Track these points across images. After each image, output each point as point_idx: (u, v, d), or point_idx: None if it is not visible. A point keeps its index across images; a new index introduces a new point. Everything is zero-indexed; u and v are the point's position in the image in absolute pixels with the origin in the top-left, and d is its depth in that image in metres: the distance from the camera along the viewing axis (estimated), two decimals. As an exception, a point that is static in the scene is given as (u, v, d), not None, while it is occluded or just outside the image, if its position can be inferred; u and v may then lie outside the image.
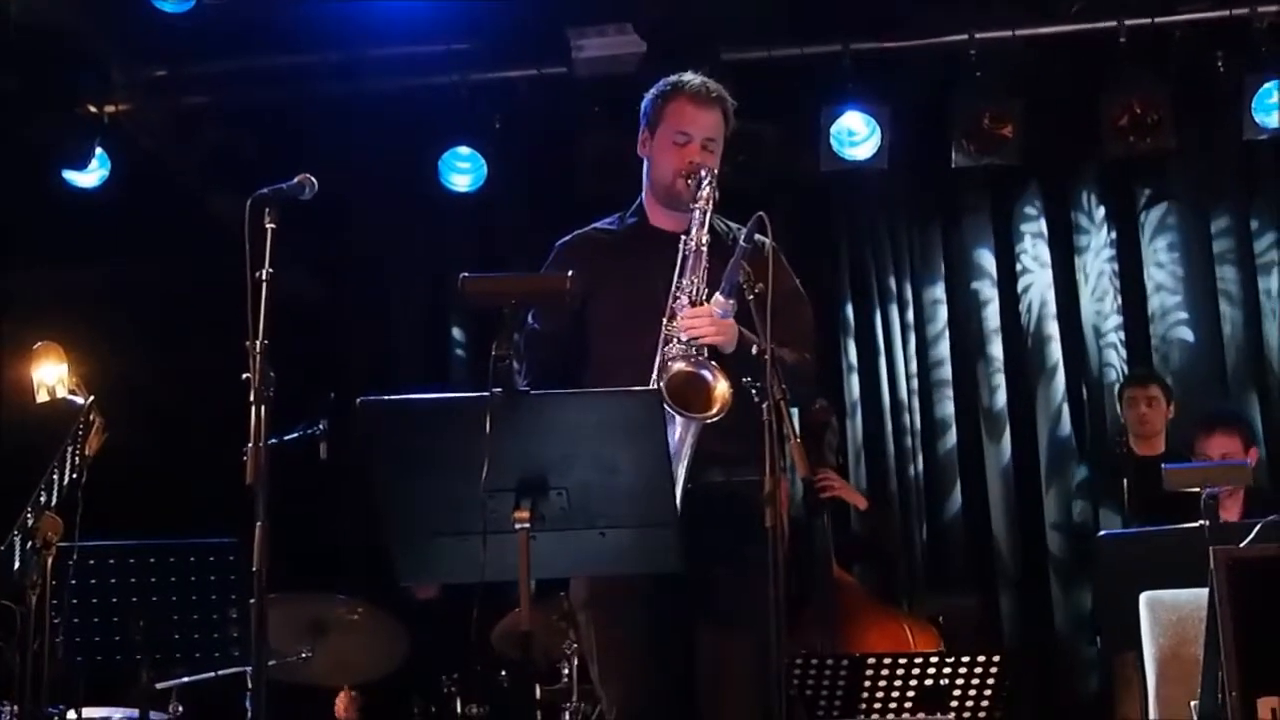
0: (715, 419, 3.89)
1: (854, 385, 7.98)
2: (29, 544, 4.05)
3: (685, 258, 4.07)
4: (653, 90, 4.34)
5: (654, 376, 3.93)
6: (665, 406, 3.77)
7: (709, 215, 4.11)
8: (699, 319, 3.95)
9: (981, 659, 5.21)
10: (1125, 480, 6.57)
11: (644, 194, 4.37)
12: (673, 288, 4.05)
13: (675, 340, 3.97)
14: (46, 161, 7.39)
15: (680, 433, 3.90)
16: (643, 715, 4.10)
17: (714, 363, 3.94)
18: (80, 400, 4.16)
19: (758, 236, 3.95)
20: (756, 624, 3.76)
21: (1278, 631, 3.41)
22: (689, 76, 4.30)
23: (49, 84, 7.21)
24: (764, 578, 3.60)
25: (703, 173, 4.13)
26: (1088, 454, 7.65)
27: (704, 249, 4.06)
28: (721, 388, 3.89)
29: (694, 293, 4.02)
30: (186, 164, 7.64)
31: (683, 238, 4.10)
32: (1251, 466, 6.19)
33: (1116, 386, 7.50)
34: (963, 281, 8.02)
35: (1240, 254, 7.74)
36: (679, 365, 3.94)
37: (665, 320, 4.01)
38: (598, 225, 4.41)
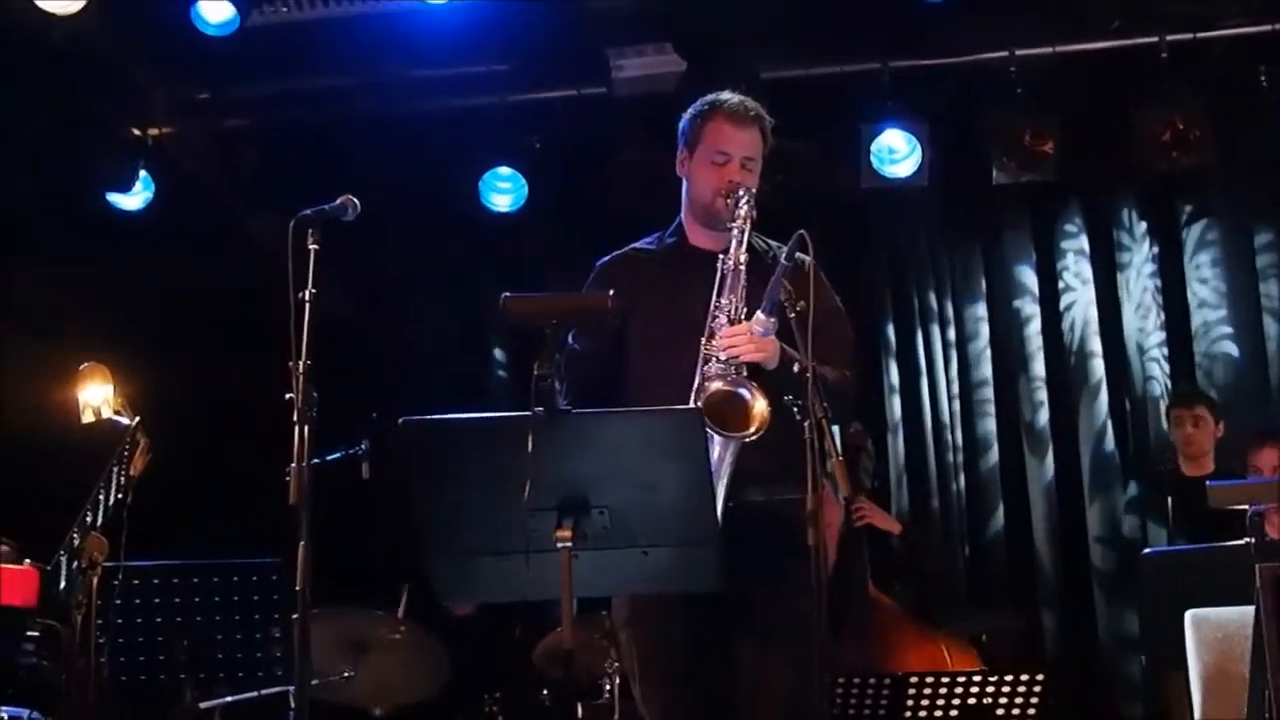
0: (754, 438, 3.89)
1: (895, 403, 7.97)
2: (75, 564, 4.08)
3: (724, 276, 4.07)
4: (691, 110, 4.34)
5: (692, 396, 3.93)
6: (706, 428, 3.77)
7: (747, 234, 4.11)
8: (738, 337, 3.95)
9: (1025, 678, 5.18)
10: (1170, 499, 6.55)
11: (683, 213, 4.38)
12: (711, 307, 4.05)
13: (714, 359, 3.97)
14: (91, 184, 7.45)
15: (719, 452, 3.90)
16: (682, 731, 4.10)
17: (752, 381, 3.94)
18: (126, 421, 4.20)
19: (798, 255, 3.94)
20: (797, 642, 3.75)
21: (1324, 649, 3.39)
22: (727, 95, 4.31)
23: (92, 107, 7.28)
24: (805, 596, 3.59)
25: (741, 192, 4.13)
26: (1135, 471, 7.60)
27: (742, 268, 4.06)
28: (760, 406, 3.89)
29: (732, 311, 4.02)
30: (229, 185, 7.69)
31: (720, 256, 4.10)
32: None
33: (1163, 404, 7.47)
34: (1004, 299, 8.00)
35: (1284, 270, 7.70)
36: (716, 385, 3.94)
37: (704, 340, 4.01)
38: (637, 245, 4.41)
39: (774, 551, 3.96)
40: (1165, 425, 7.05)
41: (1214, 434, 6.85)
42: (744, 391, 3.92)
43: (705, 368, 3.98)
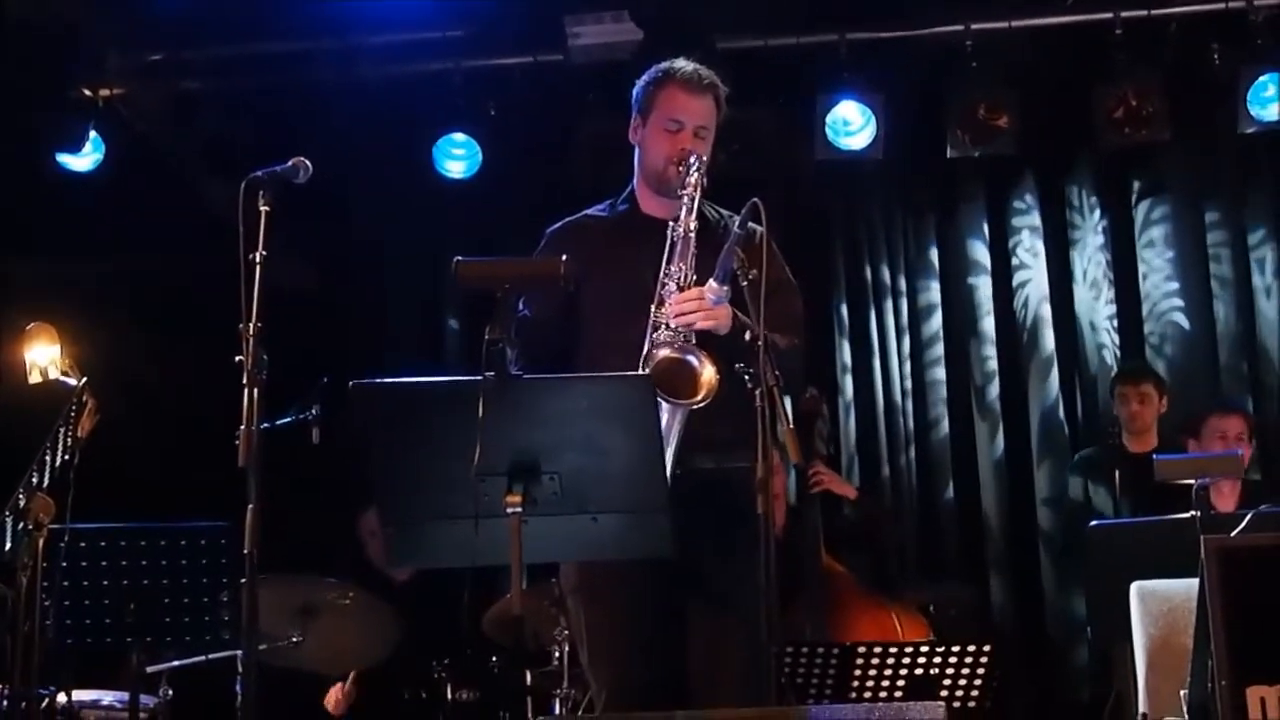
0: (701, 405, 3.89)
1: (848, 381, 7.98)
2: (20, 525, 4.04)
3: (673, 244, 4.06)
4: (644, 77, 4.33)
5: (640, 363, 3.92)
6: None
7: (697, 202, 4.11)
8: (689, 303, 3.95)
9: (972, 649, 5.20)
10: (1117, 473, 6.59)
11: (635, 181, 4.37)
12: (660, 274, 4.04)
13: (664, 327, 3.97)
14: (40, 145, 7.38)
15: (668, 419, 3.90)
16: (631, 699, 4.09)
17: (701, 349, 3.94)
18: (73, 382, 4.16)
19: (751, 224, 3.94)
20: (747, 609, 3.76)
21: (1268, 621, 3.41)
22: (681, 63, 4.29)
23: (44, 67, 7.20)
24: (755, 563, 3.60)
25: (692, 159, 4.13)
26: (1085, 443, 7.64)
27: (692, 235, 4.06)
28: (708, 373, 3.89)
29: (682, 279, 4.02)
30: (181, 149, 7.63)
31: (670, 224, 4.10)
32: (1248, 457, 6.22)
33: (1107, 377, 7.52)
34: (957, 271, 8.03)
35: (1234, 246, 7.75)
36: (665, 352, 3.94)
37: (654, 306, 4.01)
38: (589, 212, 4.41)
39: (723, 519, 3.97)
40: (1112, 400, 7.07)
41: (1158, 409, 6.90)
42: (692, 359, 3.92)
43: (654, 335, 3.98)
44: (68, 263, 7.34)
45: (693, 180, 4.11)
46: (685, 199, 4.10)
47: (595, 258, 4.16)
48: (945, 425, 7.89)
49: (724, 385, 3.88)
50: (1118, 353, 7.75)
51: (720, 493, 4.00)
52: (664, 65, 4.31)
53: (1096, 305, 7.84)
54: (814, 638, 5.96)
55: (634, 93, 4.34)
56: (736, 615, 3.97)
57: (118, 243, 7.50)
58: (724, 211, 4.26)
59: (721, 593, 4.06)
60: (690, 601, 4.12)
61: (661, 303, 4.01)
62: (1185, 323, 7.76)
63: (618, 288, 4.15)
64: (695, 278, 4.01)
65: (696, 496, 3.92)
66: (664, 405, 3.86)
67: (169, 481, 6.83)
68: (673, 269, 4.04)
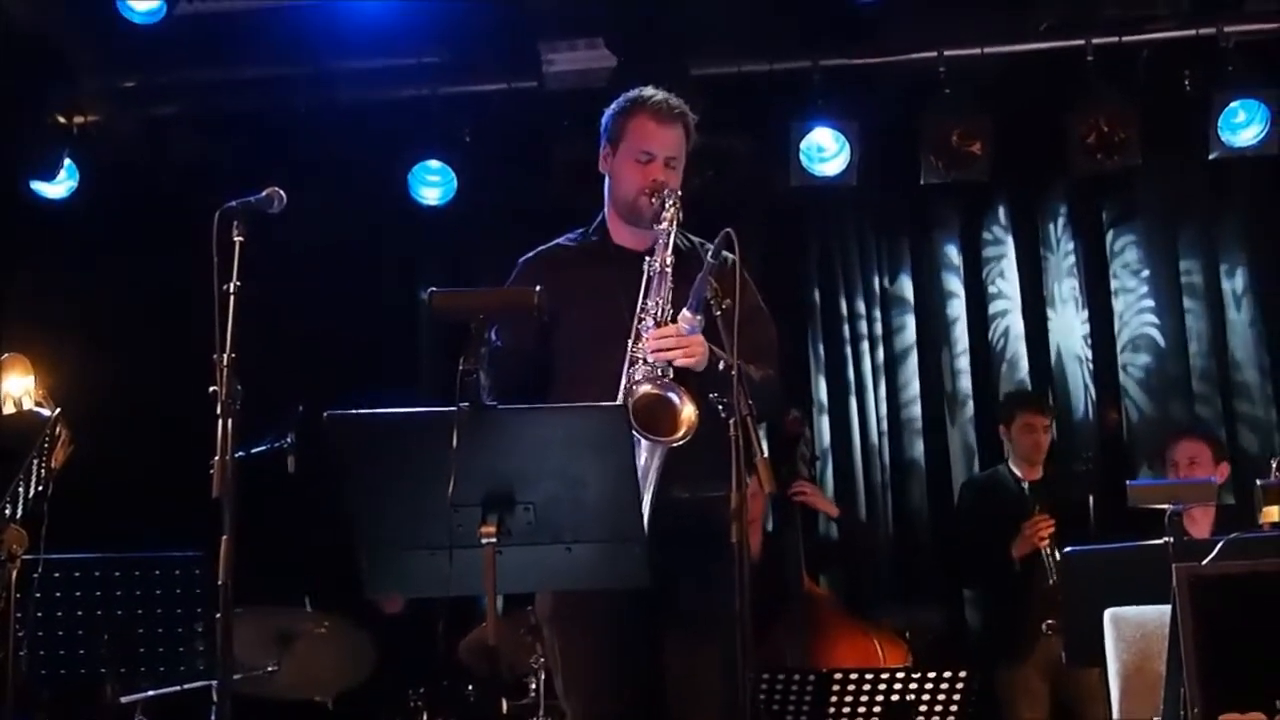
0: (681, 443, 3.90)
1: (821, 391, 7.98)
2: (-7, 556, 4.03)
3: (650, 279, 4.06)
4: (614, 106, 4.33)
5: (620, 397, 3.92)
6: (632, 430, 3.77)
7: (673, 236, 4.11)
8: (666, 340, 3.95)
9: (948, 675, 5.22)
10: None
11: (606, 210, 4.37)
12: (638, 309, 4.04)
13: (641, 361, 3.97)
14: (14, 172, 7.36)
15: (646, 458, 3.90)
16: (605, 730, 4.11)
17: (681, 386, 3.94)
18: (47, 412, 4.14)
19: (724, 253, 3.95)
20: (722, 637, 3.75)
21: (1240, 649, 3.43)
22: (650, 92, 4.30)
23: (17, 94, 7.18)
24: (730, 591, 3.61)
25: (666, 192, 4.13)
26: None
27: (669, 270, 4.06)
28: (688, 411, 3.89)
29: (659, 314, 4.02)
30: (156, 175, 7.61)
31: (647, 259, 4.09)
32: (1220, 482, 6.24)
33: (1090, 403, 7.57)
34: (931, 296, 8.04)
35: (1206, 270, 7.78)
36: (645, 388, 3.93)
37: (631, 341, 4.01)
38: (559, 242, 4.41)
39: (698, 548, 3.96)
40: (1007, 429, 7.06)
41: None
42: (673, 395, 3.91)
43: (631, 370, 3.97)
44: (40, 291, 7.32)
45: (669, 215, 4.11)
46: (661, 235, 4.10)
47: (568, 288, 4.14)
48: (920, 447, 7.89)
49: (699, 408, 3.88)
50: (1090, 376, 7.77)
51: (696, 522, 3.99)
52: (633, 94, 4.30)
53: (1070, 329, 7.87)
54: (795, 663, 5.96)
55: (603, 121, 4.34)
56: (713, 643, 3.96)
57: (91, 270, 7.48)
58: (696, 240, 4.27)
59: (697, 621, 4.06)
60: (666, 630, 4.12)
61: (639, 337, 4.00)
62: (1159, 346, 7.78)
63: (591, 319, 4.15)
64: (672, 312, 4.01)
65: (672, 527, 3.92)
66: (643, 444, 3.86)
67: (143, 512, 6.80)
68: (650, 303, 4.04)
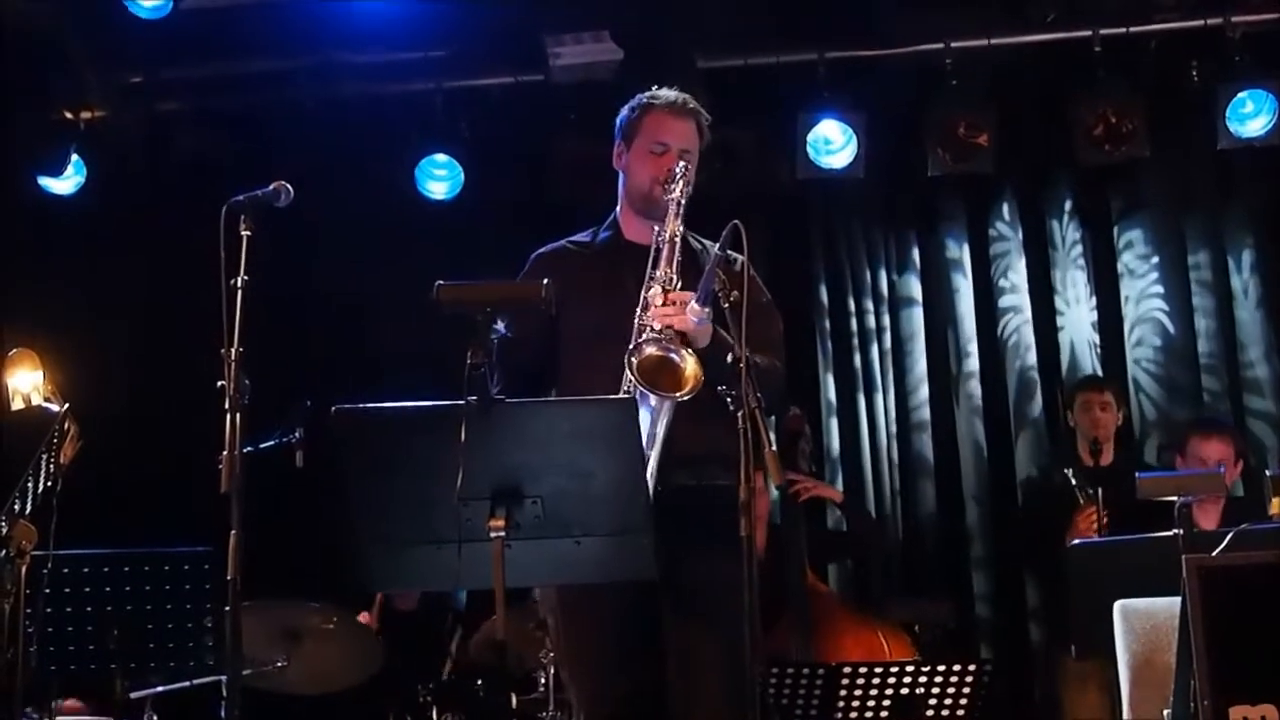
0: (688, 398, 3.88)
1: (830, 389, 7.96)
2: (3, 552, 4.03)
3: (658, 249, 4.08)
4: (629, 105, 4.38)
5: (625, 358, 3.91)
6: (637, 386, 3.81)
7: (683, 207, 4.13)
8: (671, 308, 3.95)
9: (957, 668, 5.21)
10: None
11: (619, 208, 4.40)
12: (645, 278, 4.06)
13: (649, 329, 3.98)
14: (21, 168, 7.36)
15: (652, 418, 3.90)
16: (610, 713, 4.11)
17: (684, 346, 3.93)
18: (55, 408, 4.16)
19: (730, 251, 3.96)
20: (729, 628, 3.76)
21: (1249, 640, 3.42)
22: (664, 91, 4.36)
23: (24, 90, 7.19)
24: (737, 583, 3.60)
25: (677, 168, 4.17)
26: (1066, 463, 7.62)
27: (678, 240, 4.08)
28: (692, 367, 3.89)
29: (667, 283, 4.03)
30: (162, 170, 7.61)
31: (655, 228, 4.12)
32: (1234, 477, 6.21)
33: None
34: (939, 289, 8.02)
35: (1214, 261, 7.76)
36: (650, 349, 3.93)
37: (639, 311, 4.02)
38: (572, 239, 4.44)
39: (705, 538, 3.97)
40: (1069, 415, 7.02)
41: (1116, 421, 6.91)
42: (675, 355, 3.92)
43: (639, 339, 3.98)
44: (48, 286, 7.32)
45: (678, 187, 4.13)
46: (671, 204, 4.12)
47: (580, 284, 4.18)
48: (928, 440, 7.86)
49: (706, 402, 3.88)
50: (1100, 370, 7.74)
51: (701, 511, 4.00)
52: (647, 93, 4.37)
53: (1079, 321, 7.84)
54: (800, 658, 5.95)
55: (618, 120, 4.38)
56: (719, 635, 3.97)
57: (99, 265, 7.48)
58: (706, 241, 4.28)
59: (704, 613, 4.06)
60: (671, 618, 4.12)
61: (646, 307, 4.02)
62: (1168, 337, 7.76)
63: (601, 314, 4.16)
64: (680, 282, 4.02)
65: (677, 514, 3.92)
66: (649, 400, 3.87)
67: (152, 507, 6.81)
68: (658, 274, 4.06)
